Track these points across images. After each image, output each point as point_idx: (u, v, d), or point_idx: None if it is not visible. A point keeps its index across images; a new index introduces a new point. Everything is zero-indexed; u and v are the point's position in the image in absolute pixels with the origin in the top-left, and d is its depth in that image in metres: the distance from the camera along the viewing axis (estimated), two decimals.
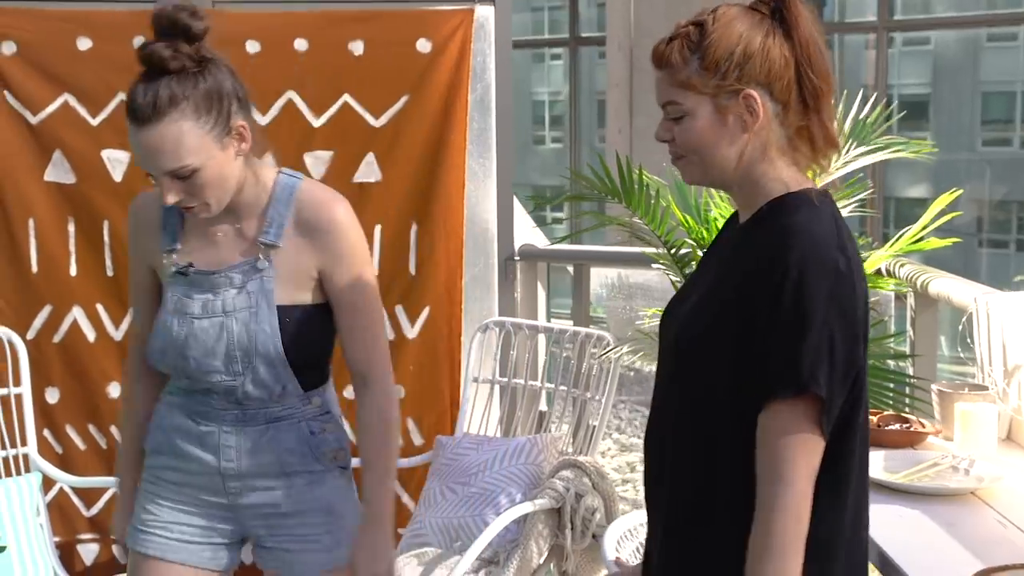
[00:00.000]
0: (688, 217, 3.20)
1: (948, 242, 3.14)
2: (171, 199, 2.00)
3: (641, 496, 5.16)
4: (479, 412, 3.67)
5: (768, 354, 1.53)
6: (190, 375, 2.11)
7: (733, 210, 1.81)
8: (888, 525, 1.91)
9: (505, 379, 3.70)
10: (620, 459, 5.58)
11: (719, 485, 1.61)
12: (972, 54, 10.44)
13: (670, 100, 1.63)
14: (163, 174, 1.98)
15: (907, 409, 2.82)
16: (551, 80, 11.70)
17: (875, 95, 3.50)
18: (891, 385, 3.01)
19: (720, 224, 3.17)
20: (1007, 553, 1.82)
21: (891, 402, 2.94)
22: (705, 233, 3.17)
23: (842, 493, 1.59)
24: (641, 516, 2.66)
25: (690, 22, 1.65)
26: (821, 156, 1.68)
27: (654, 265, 3.44)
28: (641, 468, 5.67)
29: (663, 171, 3.50)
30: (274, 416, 2.14)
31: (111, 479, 3.55)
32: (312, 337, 2.14)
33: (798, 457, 1.53)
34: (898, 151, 3.14)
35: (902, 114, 9.87)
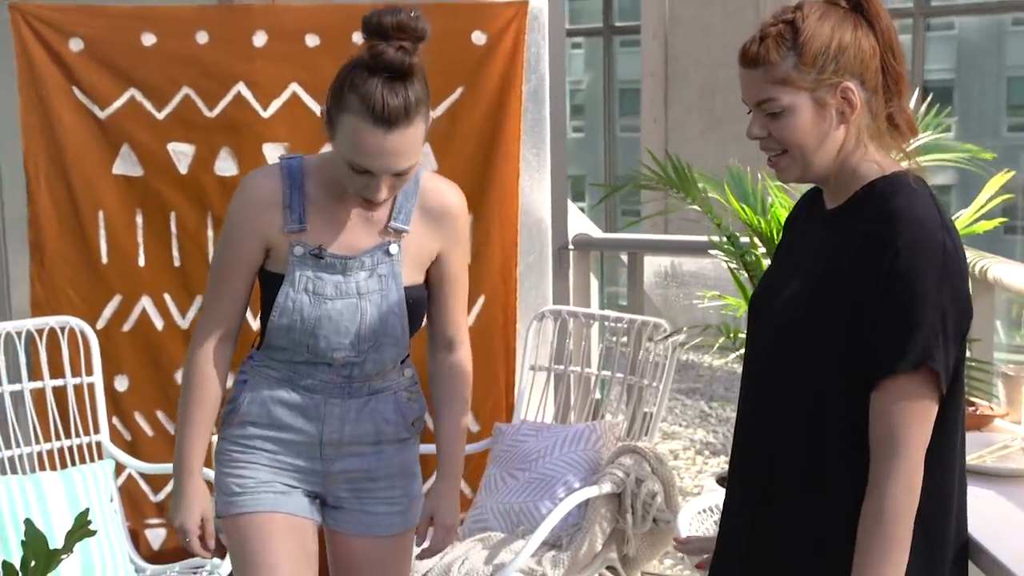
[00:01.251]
0: (746, 207, 3.26)
1: (997, 222, 3.20)
2: (383, 196, 2.09)
3: (687, 483, 5.25)
4: (536, 400, 3.75)
5: (884, 332, 1.62)
6: (315, 352, 2.19)
7: (800, 196, 1.89)
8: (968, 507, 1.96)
9: (561, 367, 3.76)
10: (663, 447, 5.64)
11: (828, 455, 1.71)
12: (996, 39, 10.41)
13: (767, 97, 1.69)
14: (390, 174, 2.06)
15: (969, 391, 2.87)
16: (572, 69, 11.73)
17: (912, 84, 3.54)
18: None
19: (782, 211, 3.24)
20: None
21: None
22: (763, 223, 3.22)
23: (950, 464, 1.70)
24: (713, 498, 2.73)
25: (779, 20, 1.71)
26: (905, 140, 1.75)
27: (711, 251, 3.50)
28: (684, 456, 5.72)
29: (703, 160, 3.57)
30: (376, 388, 2.27)
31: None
32: (421, 312, 2.28)
33: (914, 428, 1.63)
34: (957, 155, 3.18)
35: (929, 100, 9.88)
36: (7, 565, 1.50)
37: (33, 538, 1.45)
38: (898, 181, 1.71)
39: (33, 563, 1.45)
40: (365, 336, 2.19)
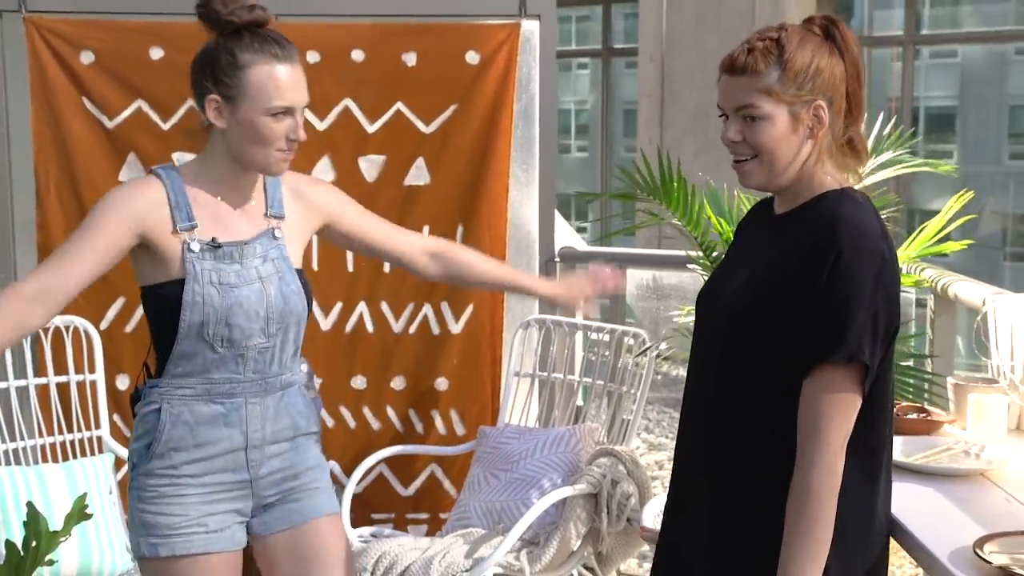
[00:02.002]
0: (722, 220, 3.42)
1: (963, 245, 3.35)
2: (303, 133, 2.29)
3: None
4: (520, 404, 3.90)
5: (819, 325, 1.79)
6: (231, 343, 2.25)
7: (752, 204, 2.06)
8: (904, 500, 2.11)
9: (544, 373, 3.92)
10: (648, 457, 5.78)
11: (762, 440, 1.87)
12: (999, 67, 10.55)
13: (749, 103, 1.86)
14: (302, 108, 2.27)
15: (926, 401, 3.03)
16: (577, 89, 11.90)
17: (896, 109, 3.72)
18: (911, 380, 3.22)
19: None
20: (1011, 525, 2.01)
21: (911, 396, 3.15)
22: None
23: (878, 467, 1.90)
24: None
25: (764, 36, 1.88)
26: (860, 161, 1.93)
27: (690, 266, 3.66)
28: (669, 466, 5.87)
29: (694, 177, 3.73)
30: (287, 382, 2.37)
31: None
32: (310, 295, 2.42)
33: (838, 415, 1.79)
34: (915, 166, 3.34)
35: (920, 127, 10.03)
36: (10, 544, 1.59)
37: (34, 520, 1.54)
38: (846, 194, 1.90)
39: (34, 544, 1.55)
40: (273, 318, 2.29)
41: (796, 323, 1.82)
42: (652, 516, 2.70)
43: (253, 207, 2.36)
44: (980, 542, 1.90)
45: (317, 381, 2.55)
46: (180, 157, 3.87)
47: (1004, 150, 11.79)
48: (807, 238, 1.84)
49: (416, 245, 2.63)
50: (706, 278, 3.65)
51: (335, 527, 2.47)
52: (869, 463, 1.89)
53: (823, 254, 1.80)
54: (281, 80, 2.22)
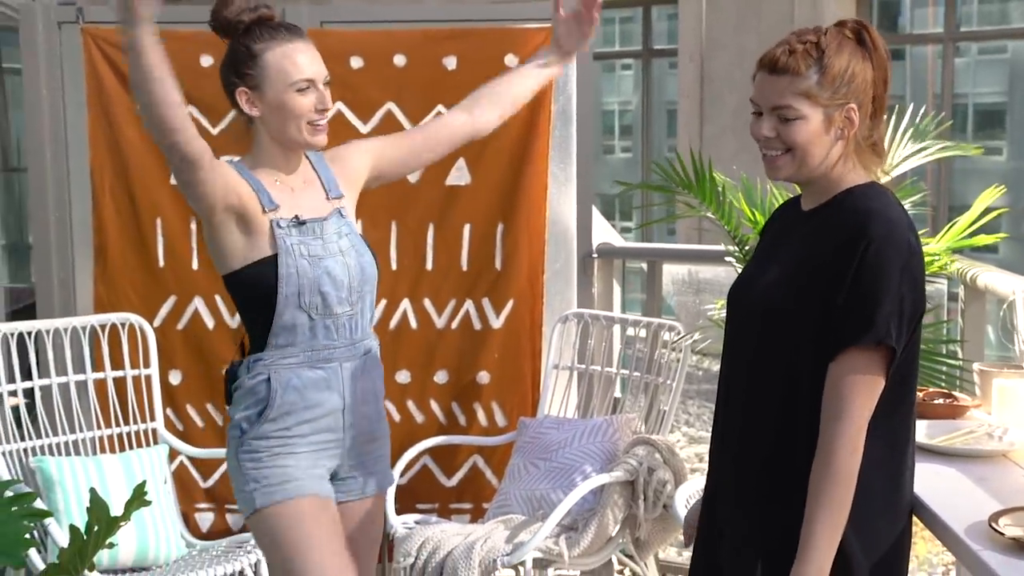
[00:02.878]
0: (755, 211, 3.50)
1: (996, 238, 3.42)
2: (330, 103, 2.49)
3: None
4: (559, 396, 4.00)
5: (848, 310, 1.88)
6: (323, 311, 2.45)
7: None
8: (926, 480, 2.19)
9: (583, 366, 4.02)
10: (689, 450, 5.86)
11: (797, 432, 1.96)
12: None
13: (786, 104, 1.94)
14: (324, 81, 2.47)
15: (957, 388, 3.10)
16: (621, 90, 11.96)
17: (935, 105, 3.78)
18: (944, 368, 3.30)
19: None
20: None
21: (943, 383, 3.23)
22: None
23: (905, 445, 2.00)
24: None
25: (804, 39, 1.96)
26: (881, 161, 2.03)
27: (727, 259, 3.74)
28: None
29: (732, 173, 3.81)
30: (366, 348, 2.58)
31: (222, 450, 3.94)
32: (377, 263, 2.61)
33: (861, 397, 1.88)
34: (941, 151, 3.41)
35: (969, 123, 9.99)
36: (74, 529, 1.68)
37: (97, 505, 1.63)
38: (873, 188, 1.99)
39: (96, 528, 1.64)
40: (355, 287, 2.50)
41: (829, 314, 1.90)
42: (684, 500, 2.79)
43: (314, 191, 2.54)
44: (995, 516, 1.98)
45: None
46: (227, 161, 4.02)
47: None
48: (839, 231, 1.93)
49: (455, 119, 2.74)
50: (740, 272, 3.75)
51: (380, 506, 2.68)
52: (896, 442, 1.98)
53: (854, 244, 1.89)
54: (295, 57, 2.43)
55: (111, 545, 1.65)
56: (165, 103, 2.32)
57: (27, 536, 1.55)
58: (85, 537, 1.61)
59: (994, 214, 3.44)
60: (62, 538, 3.09)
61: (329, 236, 2.49)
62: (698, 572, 2.20)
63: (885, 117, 2.03)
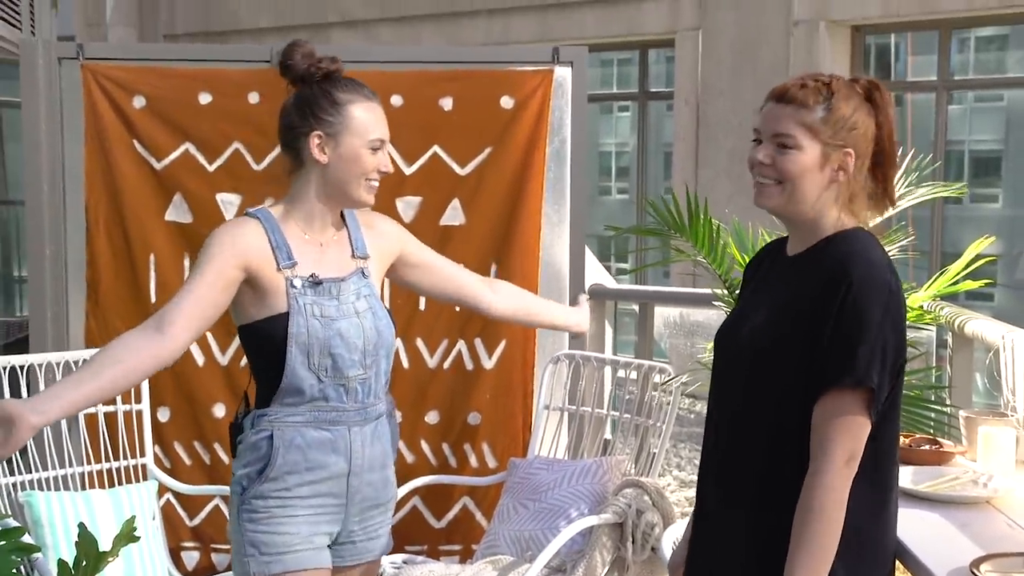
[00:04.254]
0: (745, 256, 3.53)
1: (981, 284, 3.45)
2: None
3: None
4: (549, 437, 4.01)
5: (829, 352, 1.91)
6: (333, 373, 2.42)
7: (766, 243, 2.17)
8: (910, 525, 2.21)
9: (574, 407, 4.03)
10: (680, 494, 5.85)
11: (785, 467, 1.98)
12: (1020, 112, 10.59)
13: (787, 132, 2.00)
14: (388, 140, 2.52)
15: (944, 435, 3.12)
16: (618, 132, 12.03)
17: (922, 151, 3.83)
18: (931, 414, 3.31)
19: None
20: (1010, 548, 2.11)
21: (931, 429, 3.24)
22: None
23: (889, 492, 2.02)
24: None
25: (817, 78, 2.03)
26: (882, 207, 2.08)
27: (715, 303, 3.77)
28: None
29: (725, 217, 3.84)
30: (378, 412, 2.55)
31: (215, 487, 3.95)
32: (393, 327, 2.59)
33: (842, 436, 1.90)
34: (925, 195, 3.45)
35: (966, 170, 10.06)
36: (62, 564, 1.68)
37: (85, 540, 1.63)
38: (855, 233, 2.03)
39: (84, 563, 1.64)
40: (369, 350, 2.47)
41: (813, 356, 1.93)
42: (671, 542, 2.80)
43: (340, 248, 2.54)
44: (977, 562, 1.99)
45: (396, 414, 2.74)
46: (224, 198, 4.05)
47: None
48: (819, 275, 1.97)
49: (476, 285, 2.79)
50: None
51: (375, 570, 2.67)
52: (881, 488, 2.00)
53: (835, 287, 1.92)
54: (376, 116, 2.49)
55: None
56: (144, 376, 2.39)
57: (14, 571, 1.55)
58: (73, 572, 1.60)
59: (983, 262, 3.47)
60: (50, 574, 3.08)
61: (346, 297, 2.48)
62: None
63: (891, 171, 2.07)
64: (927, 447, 2.77)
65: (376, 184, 2.51)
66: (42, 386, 3.69)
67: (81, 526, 1.55)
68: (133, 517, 1.69)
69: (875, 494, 1.99)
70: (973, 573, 1.95)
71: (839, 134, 1.98)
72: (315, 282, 2.44)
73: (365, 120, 2.46)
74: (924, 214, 8.01)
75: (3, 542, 1.29)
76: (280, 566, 2.43)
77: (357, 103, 2.46)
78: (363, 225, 2.62)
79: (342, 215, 2.59)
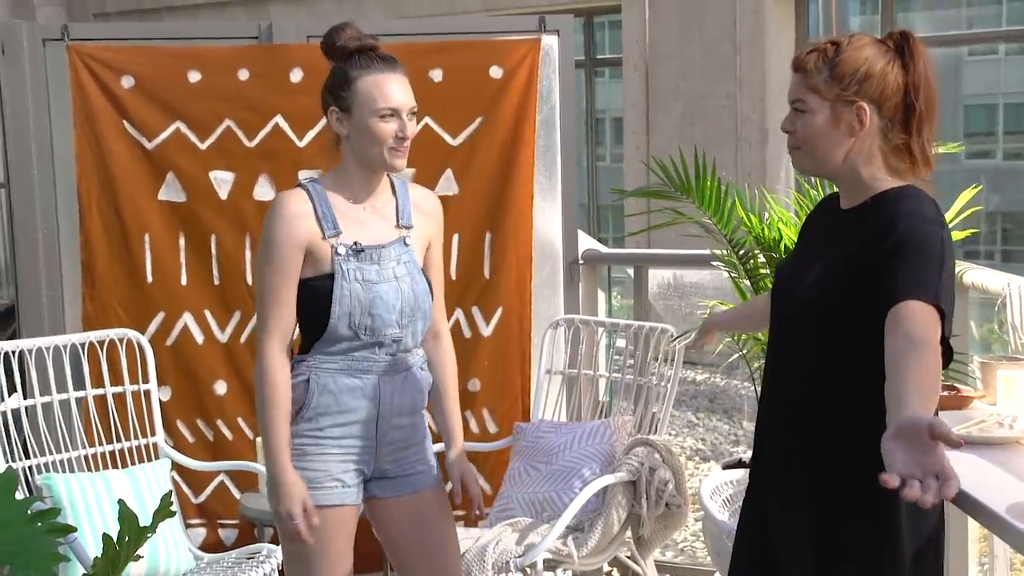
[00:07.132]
0: (752, 215, 3.62)
1: (967, 233, 3.58)
2: (412, 131, 2.61)
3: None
4: (552, 401, 4.08)
5: (902, 275, 1.88)
6: (372, 331, 2.58)
7: (818, 200, 2.24)
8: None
9: (574, 371, 4.10)
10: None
11: (841, 422, 2.06)
12: (954, 69, 10.87)
13: (798, 98, 2.08)
14: (409, 111, 2.60)
15: (952, 381, 3.23)
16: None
17: None
18: None
19: (785, 221, 3.60)
20: None
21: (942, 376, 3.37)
22: (766, 230, 3.58)
23: None
24: (727, 475, 3.07)
25: (829, 40, 2.08)
26: (918, 171, 2.08)
27: (713, 263, 3.85)
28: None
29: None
30: (409, 364, 2.69)
31: (224, 463, 3.97)
32: (431, 293, 2.72)
33: (934, 327, 1.84)
34: None
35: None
36: (107, 537, 1.70)
37: (126, 516, 1.65)
38: (907, 190, 2.06)
39: (128, 539, 1.66)
40: (406, 312, 2.62)
41: (875, 300, 1.92)
42: (708, 492, 2.89)
43: (387, 215, 2.66)
44: None
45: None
46: (217, 175, 4.05)
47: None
48: (870, 230, 2.01)
49: (436, 321, 2.80)
50: (730, 275, 3.86)
51: (442, 494, 2.79)
52: None
53: (883, 241, 1.95)
54: (383, 86, 2.56)
55: (138, 557, 1.66)
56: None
57: (55, 551, 1.55)
58: (118, 547, 1.63)
59: (969, 212, 3.59)
60: (84, 554, 3.07)
61: (386, 263, 2.61)
62: (743, 544, 2.29)
63: (925, 127, 2.05)
64: (945, 392, 2.88)
65: (400, 150, 2.60)
66: (34, 373, 3.64)
67: (121, 503, 1.58)
68: (170, 491, 1.72)
69: None
70: None
71: (849, 89, 2.02)
72: (358, 249, 2.59)
73: (370, 92, 2.55)
74: None
75: (39, 523, 1.31)
76: (311, 498, 2.58)
77: (364, 77, 2.56)
78: (413, 200, 2.73)
79: (392, 185, 2.70)
